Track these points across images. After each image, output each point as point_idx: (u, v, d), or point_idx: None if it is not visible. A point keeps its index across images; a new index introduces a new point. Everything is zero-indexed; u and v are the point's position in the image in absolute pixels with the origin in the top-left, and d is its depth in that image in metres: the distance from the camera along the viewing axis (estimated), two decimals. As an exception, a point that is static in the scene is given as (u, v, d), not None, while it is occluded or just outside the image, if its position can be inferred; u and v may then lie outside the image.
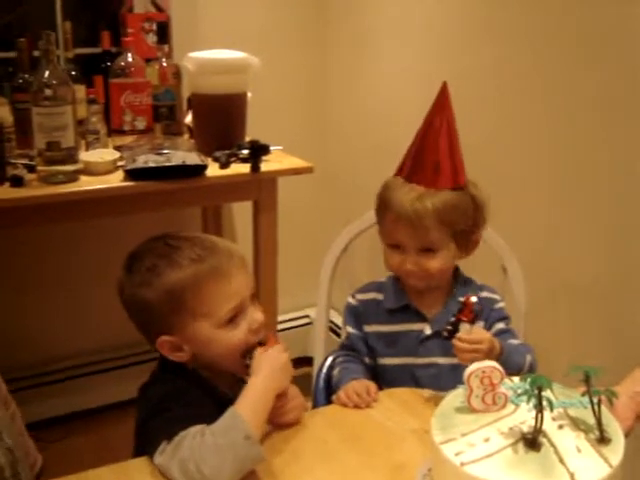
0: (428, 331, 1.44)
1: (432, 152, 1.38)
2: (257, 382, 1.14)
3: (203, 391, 1.18)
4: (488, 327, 1.43)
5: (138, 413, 1.19)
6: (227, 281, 1.17)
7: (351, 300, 1.53)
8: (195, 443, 1.05)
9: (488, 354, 1.27)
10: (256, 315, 1.20)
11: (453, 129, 1.39)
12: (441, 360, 1.43)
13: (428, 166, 1.38)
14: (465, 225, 1.41)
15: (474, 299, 1.28)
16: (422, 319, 1.45)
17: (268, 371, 1.15)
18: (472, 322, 1.28)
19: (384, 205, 1.42)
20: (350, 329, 1.51)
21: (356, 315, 1.51)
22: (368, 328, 1.49)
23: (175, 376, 1.20)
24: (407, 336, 1.45)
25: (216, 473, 1.03)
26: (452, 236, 1.40)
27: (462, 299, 1.30)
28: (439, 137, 1.37)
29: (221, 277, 1.16)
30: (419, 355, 1.45)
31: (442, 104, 1.38)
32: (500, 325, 1.44)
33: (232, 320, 1.17)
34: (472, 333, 1.27)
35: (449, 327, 1.29)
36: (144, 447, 1.14)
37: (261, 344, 1.19)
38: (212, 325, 1.16)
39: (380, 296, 1.50)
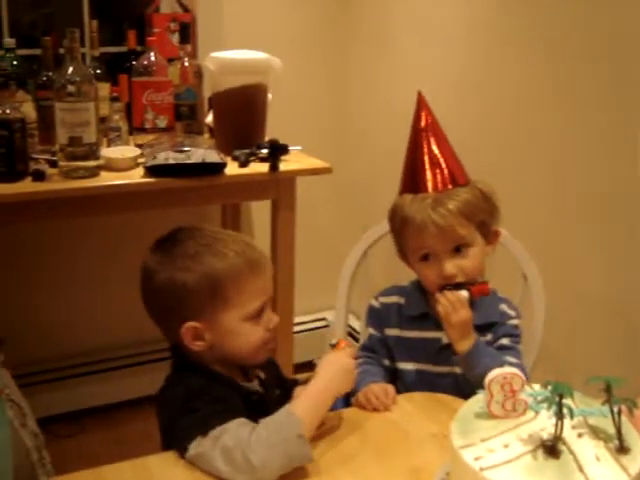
0: (446, 340, 1.43)
1: (438, 157, 1.41)
2: (319, 384, 1.17)
3: (225, 386, 1.19)
4: (494, 340, 1.43)
5: (161, 418, 1.20)
6: (262, 277, 1.23)
7: (374, 302, 1.53)
8: (243, 433, 1.07)
9: (457, 329, 1.35)
10: (273, 316, 1.26)
11: (442, 130, 1.44)
12: (459, 370, 1.42)
13: (440, 171, 1.41)
14: (483, 216, 1.43)
15: (490, 290, 1.40)
16: (441, 328, 1.43)
17: (332, 374, 1.19)
18: (473, 298, 1.38)
19: (403, 223, 1.41)
20: (371, 331, 1.52)
21: (377, 318, 1.51)
22: (389, 331, 1.49)
23: (192, 374, 1.20)
24: (426, 343, 1.46)
25: (264, 465, 1.05)
26: (477, 229, 1.41)
27: (486, 281, 1.39)
28: (439, 141, 1.42)
29: (259, 272, 1.22)
30: (437, 363, 1.45)
31: (426, 109, 1.43)
32: (504, 341, 1.43)
33: (257, 316, 1.22)
34: (461, 302, 1.34)
35: (453, 284, 1.37)
36: (172, 448, 1.15)
37: (332, 346, 1.25)
38: (240, 317, 1.20)
39: (402, 300, 1.51)
